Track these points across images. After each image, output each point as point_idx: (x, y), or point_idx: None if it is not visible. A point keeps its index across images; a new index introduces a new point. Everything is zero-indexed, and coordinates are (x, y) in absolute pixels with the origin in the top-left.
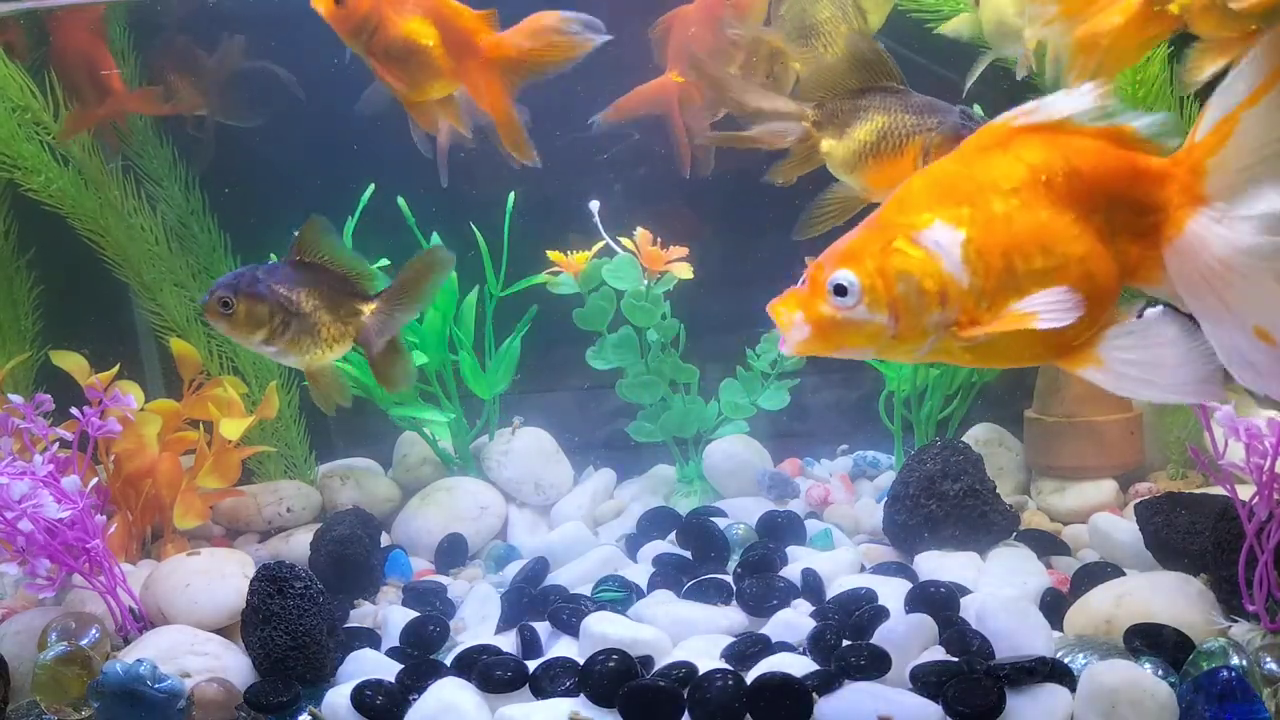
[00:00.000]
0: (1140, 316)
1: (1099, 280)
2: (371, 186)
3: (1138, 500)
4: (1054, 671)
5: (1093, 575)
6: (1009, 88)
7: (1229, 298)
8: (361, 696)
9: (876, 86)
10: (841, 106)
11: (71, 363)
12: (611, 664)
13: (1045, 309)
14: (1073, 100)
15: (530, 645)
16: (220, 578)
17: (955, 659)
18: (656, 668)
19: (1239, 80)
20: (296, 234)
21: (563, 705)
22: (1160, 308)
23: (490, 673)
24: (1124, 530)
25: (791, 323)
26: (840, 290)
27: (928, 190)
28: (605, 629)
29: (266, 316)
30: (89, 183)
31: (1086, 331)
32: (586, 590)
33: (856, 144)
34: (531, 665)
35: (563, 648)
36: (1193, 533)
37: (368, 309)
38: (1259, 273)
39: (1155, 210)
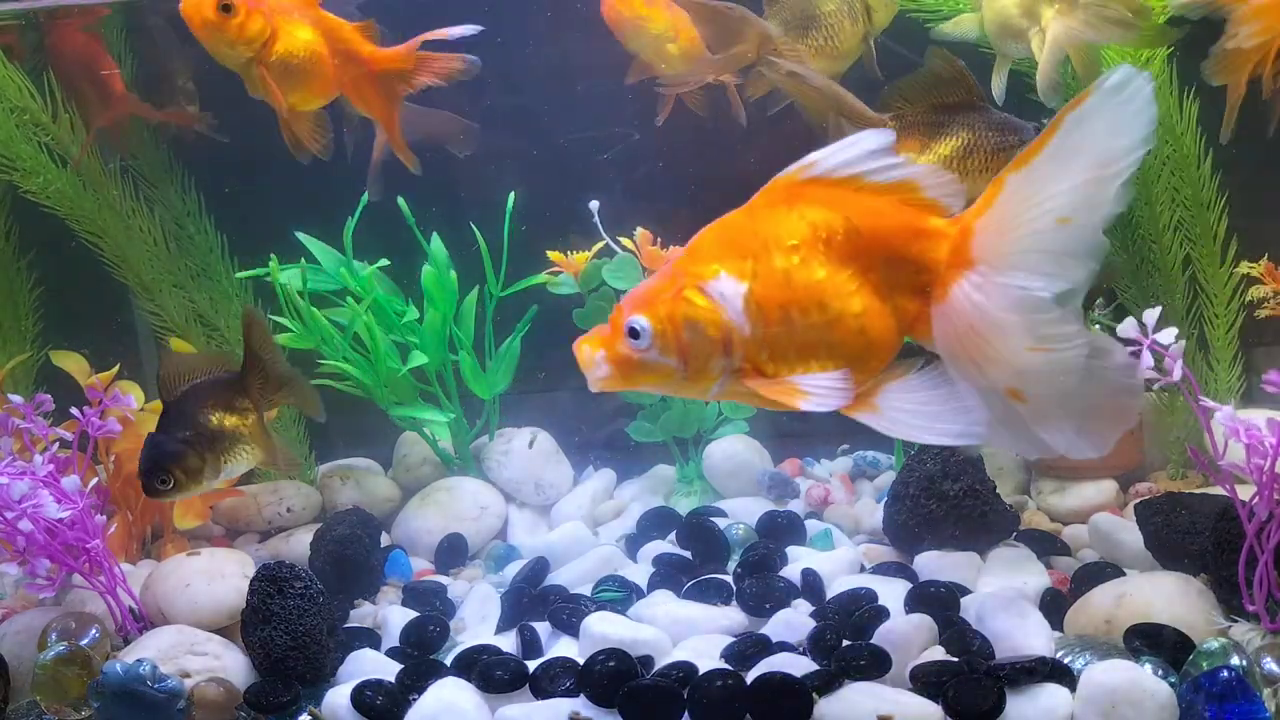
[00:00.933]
0: (920, 369)
1: (873, 335)
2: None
3: (1138, 500)
4: (1054, 671)
5: (1093, 575)
6: (1011, 88)
7: (983, 361)
8: (361, 696)
9: (958, 102)
10: (922, 120)
11: (71, 363)
12: (611, 664)
13: (817, 391)
14: (847, 153)
15: (530, 645)
16: (220, 578)
17: (955, 659)
18: (656, 668)
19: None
20: (158, 377)
21: (563, 705)
22: (934, 365)
23: (490, 673)
24: (1124, 530)
25: (593, 361)
26: (634, 333)
27: (716, 243)
28: (605, 629)
29: (199, 463)
30: (87, 184)
31: (866, 381)
32: (586, 590)
33: (938, 159)
34: (531, 665)
35: (563, 648)
36: (1193, 533)
37: (245, 399)
38: (1011, 339)
39: (929, 270)
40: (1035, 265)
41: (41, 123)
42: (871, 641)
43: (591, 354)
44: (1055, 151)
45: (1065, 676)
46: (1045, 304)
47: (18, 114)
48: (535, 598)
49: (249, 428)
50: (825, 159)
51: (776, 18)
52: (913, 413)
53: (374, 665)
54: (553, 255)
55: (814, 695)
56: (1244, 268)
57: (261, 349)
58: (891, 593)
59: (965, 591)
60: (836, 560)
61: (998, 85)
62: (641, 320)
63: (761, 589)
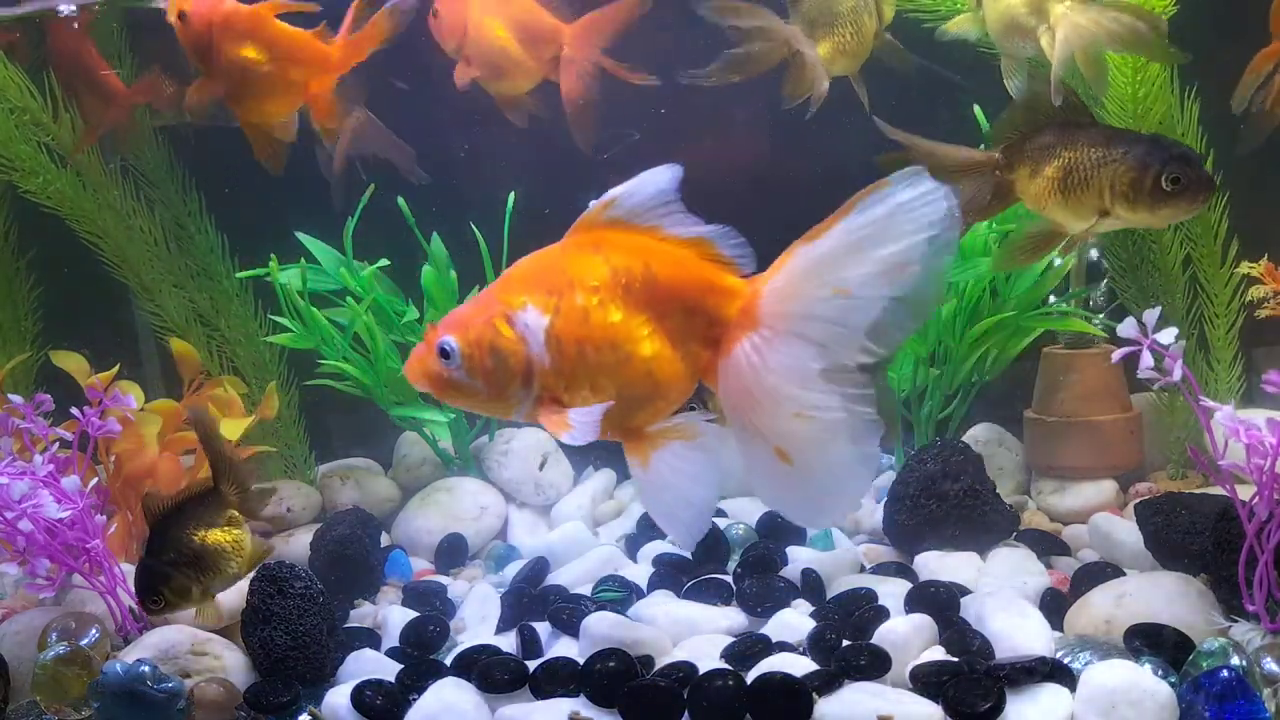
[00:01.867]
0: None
1: (660, 378)
2: (371, 186)
3: (1138, 500)
4: (1054, 671)
5: (1093, 575)
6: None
7: (755, 418)
8: (361, 696)
9: (1060, 122)
10: (1029, 146)
11: (71, 363)
12: (611, 664)
13: (577, 425)
14: (645, 191)
15: (530, 645)
16: None
17: (955, 659)
18: (656, 668)
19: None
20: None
21: (563, 705)
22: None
23: (490, 673)
24: (1124, 530)
25: (415, 373)
26: (444, 353)
27: (527, 276)
28: (605, 629)
29: (187, 582)
30: (87, 184)
31: (649, 422)
32: (586, 590)
33: (1046, 181)
34: (531, 665)
35: (563, 648)
36: (1193, 533)
37: (230, 509)
38: (780, 402)
39: (720, 324)
40: (812, 334)
41: (42, 123)
42: (871, 641)
43: (413, 367)
44: (845, 231)
45: (1065, 676)
46: (813, 373)
47: (18, 114)
48: (535, 598)
49: (233, 541)
50: (625, 198)
51: (803, 17)
52: (674, 481)
53: (374, 665)
54: None
55: (814, 695)
56: (1244, 268)
57: (218, 454)
58: (891, 593)
59: (965, 591)
60: (836, 560)
61: (1013, 87)
62: (452, 342)
63: (761, 589)
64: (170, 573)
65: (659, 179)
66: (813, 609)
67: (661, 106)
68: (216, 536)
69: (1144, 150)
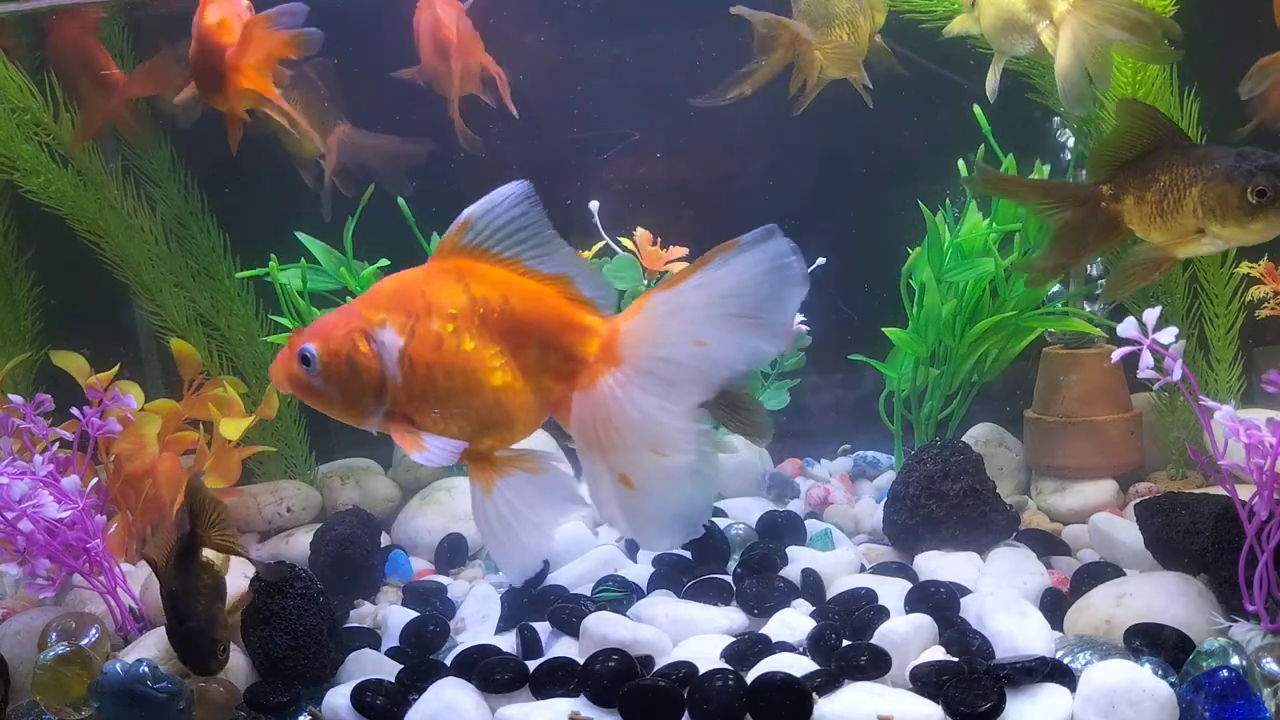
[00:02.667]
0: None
1: (508, 408)
2: (372, 187)
3: (1138, 500)
4: (1054, 671)
5: (1093, 575)
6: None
7: (609, 449)
8: (361, 697)
9: (1155, 144)
10: (1132, 173)
11: (71, 363)
12: (611, 664)
13: (431, 449)
14: (499, 211)
15: (530, 645)
16: None
17: (955, 659)
18: (656, 668)
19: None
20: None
21: (563, 705)
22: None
23: (490, 673)
24: (1124, 530)
25: (278, 374)
26: (304, 359)
27: (390, 295)
28: (605, 629)
29: (221, 630)
30: (88, 184)
31: (496, 448)
32: (586, 590)
33: (1148, 207)
34: (531, 665)
35: (563, 648)
36: (1193, 533)
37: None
38: (637, 437)
39: (577, 360)
40: (669, 376)
41: (43, 123)
42: (871, 641)
43: (277, 367)
44: (699, 284)
45: (1065, 676)
46: (670, 413)
47: (19, 114)
48: (535, 598)
49: (218, 570)
50: (481, 221)
51: (803, 17)
52: (510, 512)
53: (374, 665)
54: None
55: (814, 695)
56: (1244, 268)
57: (199, 512)
58: (891, 593)
59: (965, 591)
60: (836, 560)
61: (991, 86)
62: (312, 350)
63: (761, 589)
64: (209, 641)
65: (512, 197)
66: (813, 609)
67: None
68: (210, 578)
69: (1229, 164)
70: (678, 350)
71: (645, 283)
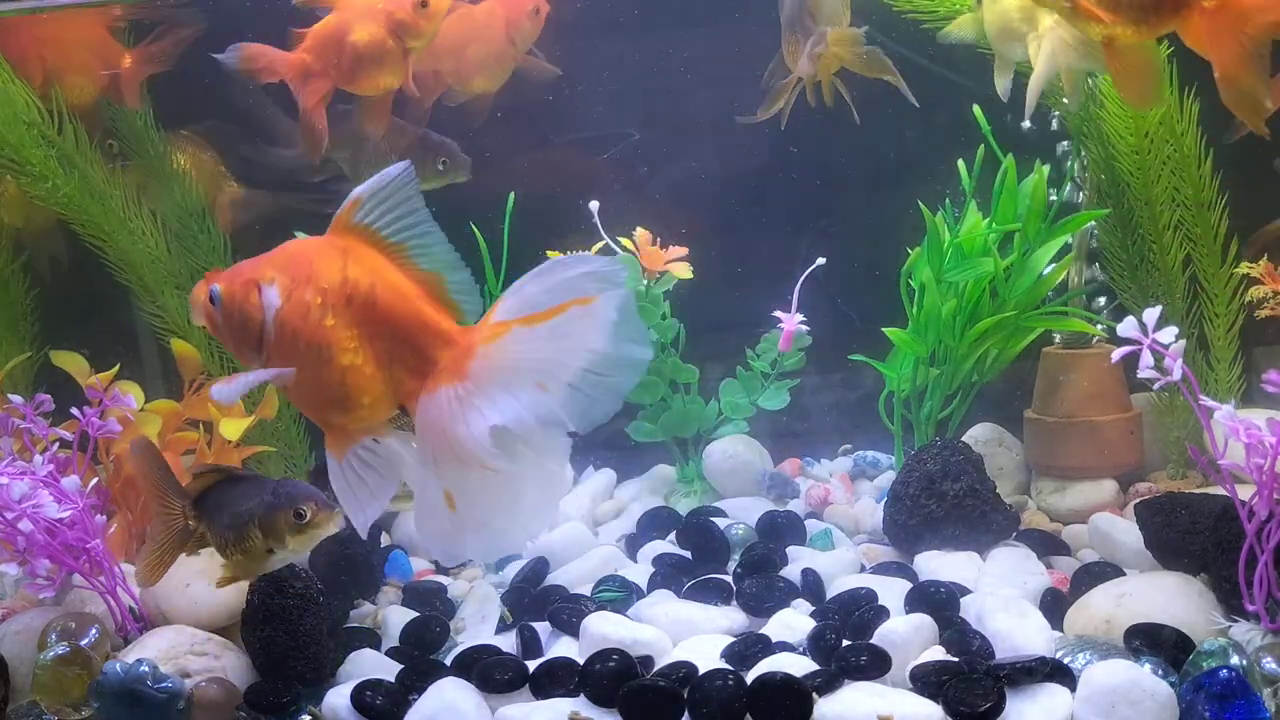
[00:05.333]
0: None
1: (352, 390)
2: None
3: (1138, 500)
4: (1054, 671)
5: (1093, 575)
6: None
7: (440, 458)
8: (361, 696)
9: None
10: None
11: (72, 363)
12: (611, 664)
13: (232, 384)
14: (384, 192)
15: (530, 645)
16: None
17: (955, 659)
18: (656, 668)
19: (534, 292)
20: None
21: (563, 705)
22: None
23: (490, 673)
24: (1124, 530)
25: (194, 301)
26: (212, 298)
27: (287, 257)
28: (605, 629)
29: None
30: (93, 189)
31: (347, 424)
32: (586, 590)
33: None
34: (531, 665)
35: (563, 648)
36: (1193, 533)
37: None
38: (467, 453)
39: (429, 362)
40: (508, 408)
41: (48, 135)
42: (871, 641)
43: (193, 296)
44: (554, 328)
45: (1065, 676)
46: (498, 439)
47: (29, 127)
48: (535, 598)
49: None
50: (370, 201)
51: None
52: (358, 479)
53: (374, 665)
54: (552, 255)
55: (814, 695)
56: (1244, 268)
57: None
58: (891, 593)
59: (965, 591)
60: (836, 560)
61: (1002, 87)
62: (217, 290)
63: (761, 589)
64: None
65: (397, 179)
66: (813, 609)
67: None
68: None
69: None
70: (521, 388)
71: (645, 283)
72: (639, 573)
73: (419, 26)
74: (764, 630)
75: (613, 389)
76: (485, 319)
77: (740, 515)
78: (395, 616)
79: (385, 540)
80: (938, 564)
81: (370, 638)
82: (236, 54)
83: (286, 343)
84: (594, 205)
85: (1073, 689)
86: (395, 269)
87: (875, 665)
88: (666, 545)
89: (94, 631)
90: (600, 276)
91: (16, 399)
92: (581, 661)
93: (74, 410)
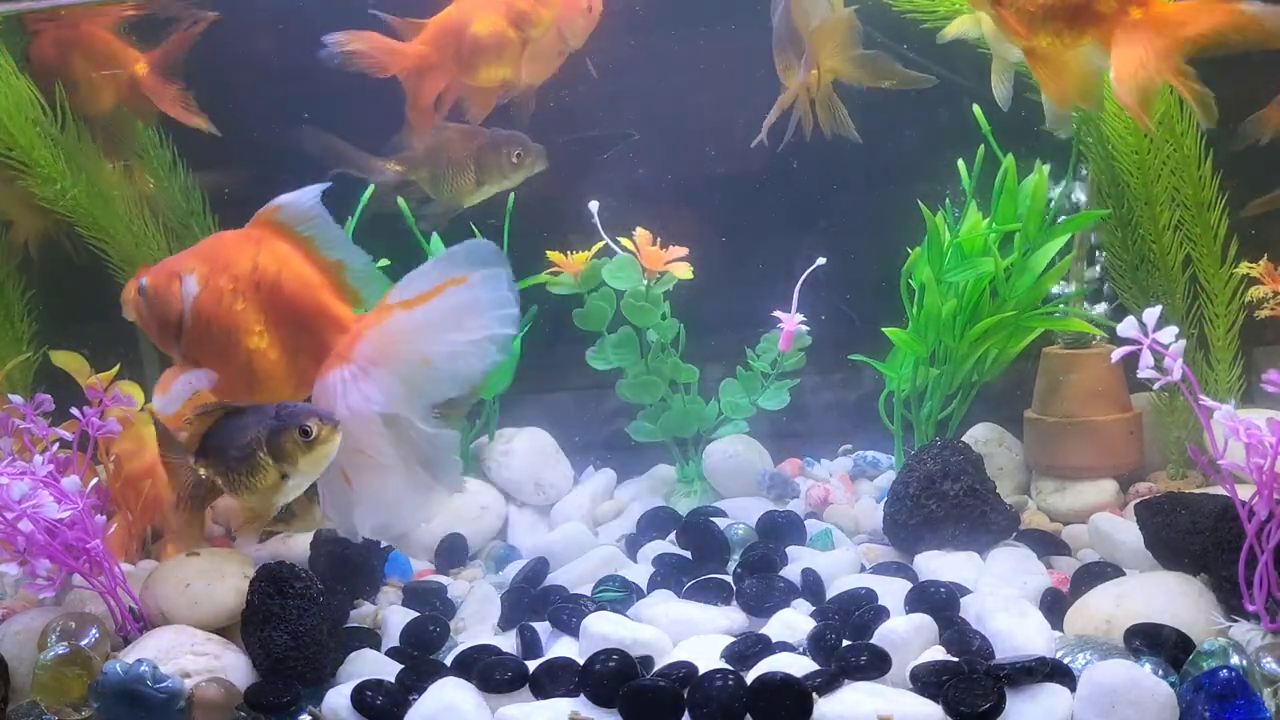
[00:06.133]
0: None
1: (258, 372)
2: (372, 187)
3: (1138, 500)
4: (1054, 671)
5: (1093, 575)
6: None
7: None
8: (361, 696)
9: None
10: None
11: (71, 363)
12: (611, 664)
13: (168, 394)
14: (306, 202)
15: (530, 645)
16: (220, 578)
17: (955, 659)
18: (656, 668)
19: (421, 279)
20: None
21: (563, 705)
22: None
23: (490, 673)
24: (1124, 530)
25: (126, 294)
26: (140, 290)
27: (208, 248)
28: (605, 629)
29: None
30: (99, 191)
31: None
32: (586, 590)
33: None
34: (531, 665)
35: (563, 648)
36: (1193, 533)
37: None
38: (351, 433)
39: (324, 348)
40: (389, 387)
41: (52, 134)
42: (871, 641)
43: (125, 290)
44: (431, 309)
45: (1065, 676)
46: (380, 420)
47: (39, 127)
48: (535, 598)
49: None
50: (289, 205)
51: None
52: None
53: (374, 665)
54: (552, 255)
55: (814, 695)
56: (1244, 268)
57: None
58: (891, 593)
59: (965, 591)
60: (836, 560)
61: (999, 89)
62: (144, 282)
63: (761, 589)
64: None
65: (314, 194)
66: (813, 609)
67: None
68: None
69: None
70: (404, 365)
71: (645, 283)
72: (639, 573)
73: (538, 16)
74: (764, 630)
75: (482, 360)
76: (378, 305)
77: (740, 515)
78: (395, 616)
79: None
80: (938, 564)
81: (370, 638)
82: (339, 44)
83: (201, 328)
84: (593, 205)
85: (1073, 689)
86: (302, 259)
87: (875, 665)
88: (666, 545)
89: (94, 631)
90: (476, 258)
91: (16, 399)
92: (581, 661)
93: (74, 410)
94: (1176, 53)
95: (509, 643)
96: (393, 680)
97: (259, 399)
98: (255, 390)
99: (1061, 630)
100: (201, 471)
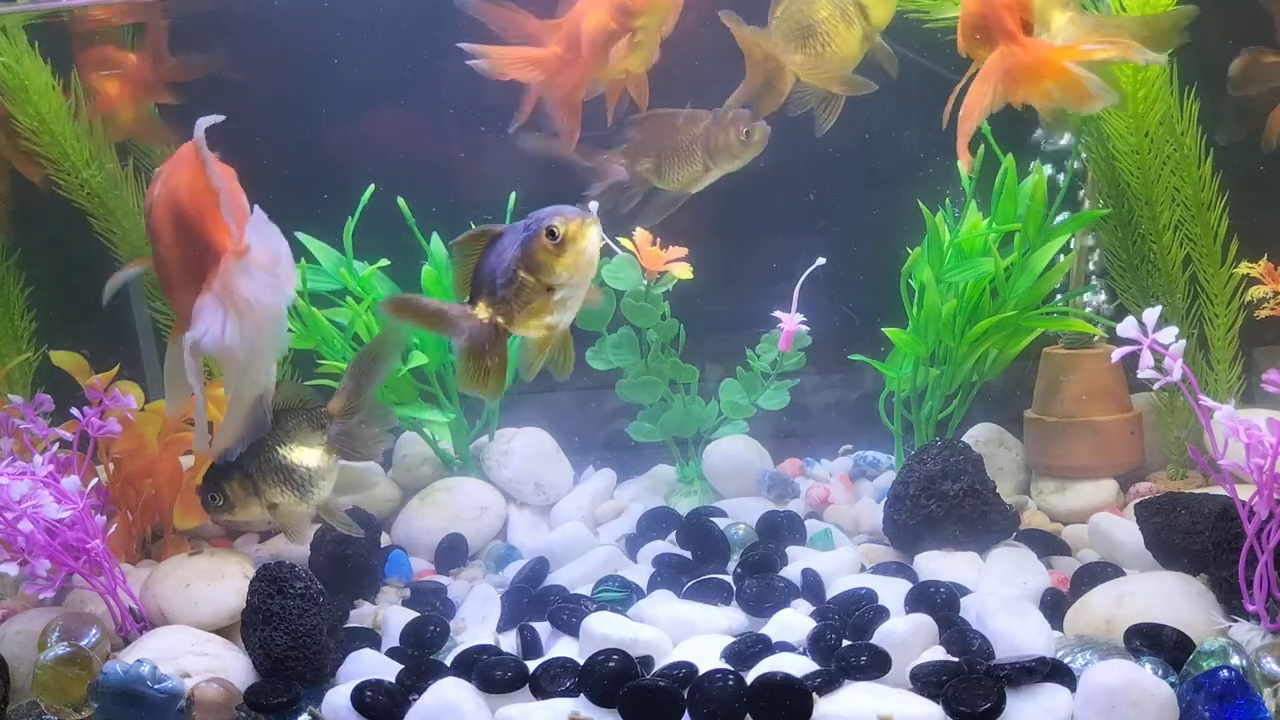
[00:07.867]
0: None
1: (171, 282)
2: (371, 187)
3: (1138, 500)
4: (1054, 671)
5: (1093, 575)
6: None
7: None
8: (361, 696)
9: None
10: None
11: (71, 363)
12: (611, 664)
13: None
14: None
15: (530, 645)
16: (220, 578)
17: (955, 659)
18: (656, 668)
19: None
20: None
21: (563, 705)
22: None
23: (490, 673)
24: (1124, 530)
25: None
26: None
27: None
28: (605, 629)
29: (245, 489)
30: (113, 185)
31: (181, 314)
32: (586, 590)
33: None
34: (531, 665)
35: (563, 648)
36: (1193, 533)
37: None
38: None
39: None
40: (212, 324)
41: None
42: (871, 641)
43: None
44: (228, 270)
45: (1065, 676)
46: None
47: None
48: (535, 598)
49: (315, 467)
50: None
51: (776, 31)
52: (179, 365)
53: (374, 665)
54: None
55: (814, 695)
56: (1244, 268)
57: (359, 378)
58: (891, 593)
59: (965, 591)
60: (836, 560)
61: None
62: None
63: (761, 589)
64: (232, 474)
65: (202, 124)
66: (813, 609)
67: None
68: (302, 455)
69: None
70: (225, 311)
71: (645, 283)
72: (639, 573)
73: (654, 4)
74: (764, 630)
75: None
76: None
77: (740, 515)
78: (395, 616)
79: (385, 540)
80: (938, 564)
81: (370, 638)
82: (482, 58)
83: (149, 229)
84: (593, 205)
85: (1073, 689)
86: (206, 186)
87: (875, 665)
88: (666, 545)
89: (94, 632)
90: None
91: (16, 399)
92: (581, 661)
93: (74, 410)
94: (1014, 95)
95: (509, 643)
96: (393, 680)
97: (175, 306)
98: (169, 294)
99: (1061, 630)
100: (482, 315)
